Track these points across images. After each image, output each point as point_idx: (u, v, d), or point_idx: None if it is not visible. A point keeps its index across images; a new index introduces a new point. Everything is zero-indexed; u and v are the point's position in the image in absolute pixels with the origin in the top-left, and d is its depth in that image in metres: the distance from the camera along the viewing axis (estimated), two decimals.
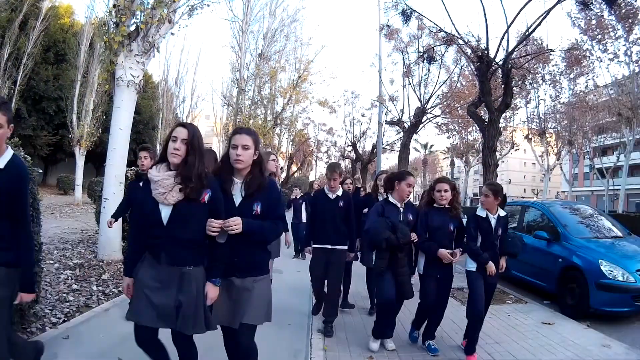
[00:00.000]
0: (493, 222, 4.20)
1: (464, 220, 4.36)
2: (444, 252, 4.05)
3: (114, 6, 6.78)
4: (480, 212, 4.25)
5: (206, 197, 2.43)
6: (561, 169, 29.40)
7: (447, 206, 4.23)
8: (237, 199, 2.62)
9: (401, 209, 4.19)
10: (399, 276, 3.98)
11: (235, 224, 2.43)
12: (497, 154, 7.56)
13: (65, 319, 4.31)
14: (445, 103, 17.50)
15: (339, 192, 4.88)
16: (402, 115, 16.75)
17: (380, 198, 5.30)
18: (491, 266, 4.08)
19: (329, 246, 4.74)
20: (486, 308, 4.30)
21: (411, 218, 4.23)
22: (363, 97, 64.15)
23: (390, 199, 4.23)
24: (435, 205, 4.28)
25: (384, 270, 3.98)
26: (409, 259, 4.25)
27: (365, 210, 5.51)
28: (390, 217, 4.04)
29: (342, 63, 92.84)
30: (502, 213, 4.32)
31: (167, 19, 6.96)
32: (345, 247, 4.84)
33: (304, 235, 5.05)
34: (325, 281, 4.87)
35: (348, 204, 4.87)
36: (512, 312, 5.69)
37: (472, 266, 4.19)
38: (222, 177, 2.64)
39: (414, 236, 4.08)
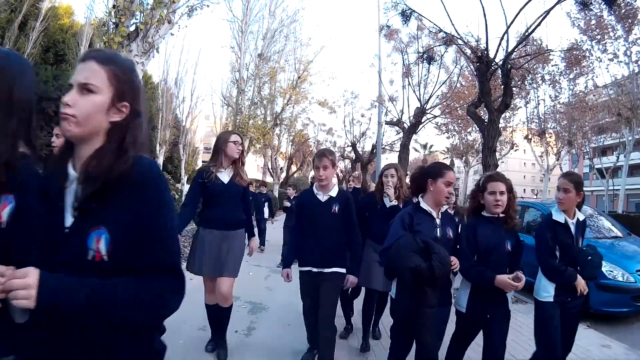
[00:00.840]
0: (573, 228, 3.15)
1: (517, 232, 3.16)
2: (504, 279, 2.78)
3: (114, 7, 6.78)
4: (558, 216, 3.14)
5: (4, 213, 1.20)
6: (561, 169, 29.34)
7: (501, 215, 2.98)
8: (69, 218, 1.17)
9: (437, 220, 2.90)
10: (421, 318, 2.65)
11: (21, 285, 1.01)
12: (497, 154, 7.56)
13: None
14: (444, 103, 17.51)
15: (333, 192, 3.51)
16: (401, 115, 16.77)
17: (387, 200, 4.21)
18: (581, 282, 3.05)
19: (314, 269, 3.48)
20: (569, 349, 3.26)
21: (451, 234, 2.96)
22: (363, 97, 64.40)
23: (422, 204, 2.90)
24: (484, 213, 3.04)
25: (405, 312, 2.72)
26: (444, 289, 2.88)
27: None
28: (423, 231, 2.76)
29: (341, 63, 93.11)
30: (580, 216, 3.23)
31: (167, 20, 6.96)
32: (342, 270, 3.49)
33: (283, 252, 3.88)
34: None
35: (346, 208, 3.51)
36: (512, 312, 5.67)
37: (548, 295, 3.11)
38: (52, 167, 1.29)
39: (454, 262, 2.79)
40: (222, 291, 3.72)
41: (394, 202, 4.12)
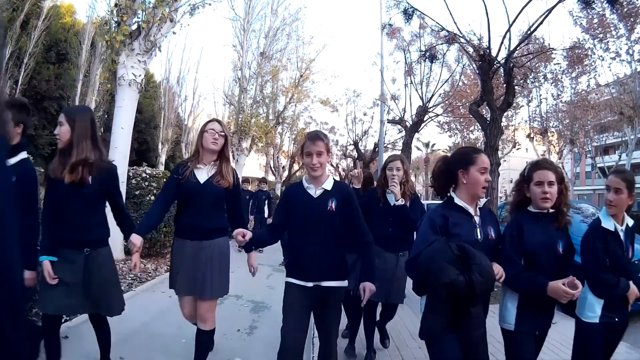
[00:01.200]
0: (622, 236, 2.67)
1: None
2: (558, 286, 2.26)
3: (116, 5, 6.79)
4: (607, 223, 2.65)
5: None
6: (563, 168, 29.36)
7: (550, 211, 2.51)
8: None
9: (476, 218, 2.38)
10: (470, 346, 2.21)
11: None
12: (499, 152, 7.56)
13: (67, 318, 4.32)
14: (447, 102, 17.48)
15: (327, 185, 2.73)
16: (403, 114, 16.76)
17: (390, 197, 3.76)
18: (635, 290, 2.60)
19: (309, 283, 2.70)
20: None
21: (493, 234, 2.43)
22: (365, 95, 64.13)
23: (457, 199, 2.38)
24: (531, 209, 2.55)
25: (439, 333, 2.19)
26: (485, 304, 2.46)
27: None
28: (461, 234, 2.25)
29: (343, 62, 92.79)
30: (629, 221, 2.74)
31: (169, 18, 6.97)
32: (344, 284, 2.80)
33: (258, 234, 3.22)
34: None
35: (346, 203, 2.75)
36: None
37: (594, 315, 2.60)
38: None
39: (498, 272, 2.25)
40: (200, 314, 3.20)
41: (400, 201, 3.65)
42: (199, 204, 3.12)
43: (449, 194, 2.45)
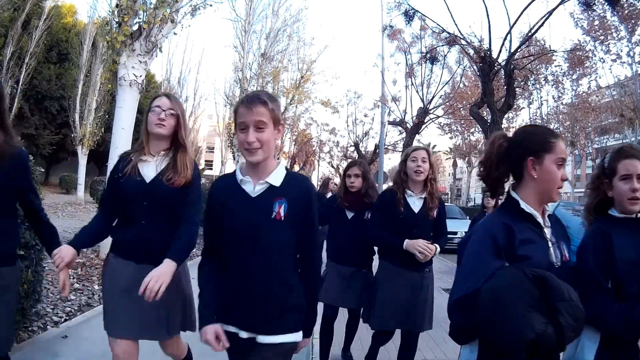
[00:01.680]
0: None
1: None
2: None
3: (117, 6, 6.79)
4: None
5: None
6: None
7: (638, 215, 1.76)
8: None
9: (547, 231, 1.57)
10: None
11: None
12: None
13: (67, 318, 4.32)
14: (447, 103, 17.52)
15: (274, 178, 1.69)
16: (404, 115, 16.83)
17: (413, 201, 3.04)
18: None
19: (243, 333, 1.66)
20: None
21: (567, 253, 1.62)
22: (366, 97, 64.24)
23: (524, 204, 1.52)
24: (613, 213, 1.81)
25: None
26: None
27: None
28: (530, 255, 1.44)
29: (344, 63, 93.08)
30: None
31: (170, 19, 6.96)
32: (293, 338, 1.70)
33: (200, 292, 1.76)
34: None
35: (304, 209, 1.71)
36: None
37: None
38: None
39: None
40: (169, 352, 2.44)
41: (437, 250, 2.94)
42: (147, 212, 2.16)
43: (509, 194, 1.61)
